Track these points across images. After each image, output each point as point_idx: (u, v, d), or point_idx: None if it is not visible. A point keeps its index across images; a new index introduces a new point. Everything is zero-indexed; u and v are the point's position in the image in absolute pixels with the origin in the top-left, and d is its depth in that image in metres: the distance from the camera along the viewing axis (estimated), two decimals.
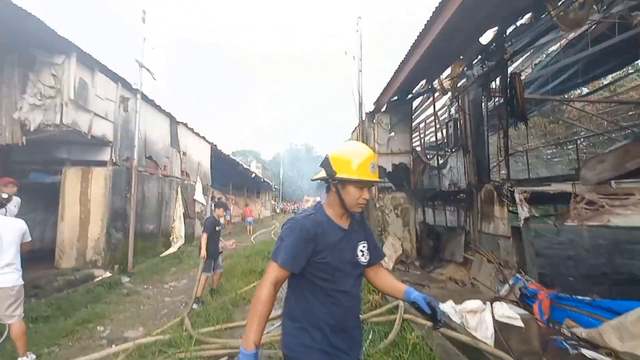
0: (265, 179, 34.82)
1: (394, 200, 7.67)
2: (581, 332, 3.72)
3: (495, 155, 12.20)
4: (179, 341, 3.63)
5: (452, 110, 9.64)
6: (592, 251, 11.60)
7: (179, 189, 10.92)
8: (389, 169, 7.94)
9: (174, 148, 10.81)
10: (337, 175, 1.43)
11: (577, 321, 4.00)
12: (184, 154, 11.63)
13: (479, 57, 6.47)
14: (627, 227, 3.78)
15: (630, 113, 12.67)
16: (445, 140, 9.20)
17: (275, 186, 46.56)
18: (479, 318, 3.90)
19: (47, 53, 5.96)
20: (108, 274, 6.84)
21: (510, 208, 5.65)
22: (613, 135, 11.64)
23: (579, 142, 11.37)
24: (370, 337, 3.67)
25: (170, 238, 10.24)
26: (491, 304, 4.01)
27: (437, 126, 9.51)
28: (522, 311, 4.07)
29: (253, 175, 26.01)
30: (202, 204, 12.69)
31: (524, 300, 4.73)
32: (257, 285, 1.54)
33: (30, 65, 6.00)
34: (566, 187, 4.32)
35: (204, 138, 13.63)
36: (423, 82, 7.36)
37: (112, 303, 5.48)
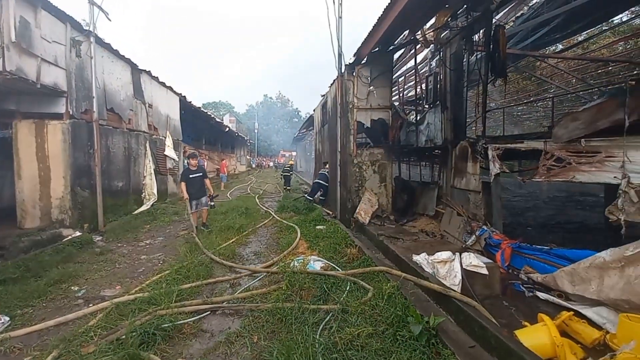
0: (240, 133, 33.76)
1: (372, 156, 7.69)
2: (537, 277, 4.10)
3: (471, 112, 12.32)
4: (159, 298, 3.63)
5: (433, 64, 9.43)
6: (548, 203, 12.64)
7: (148, 144, 10.32)
8: (368, 124, 7.84)
9: (138, 100, 10.00)
10: None
11: (535, 268, 4.40)
12: (150, 106, 10.82)
13: (465, 6, 6.18)
14: (590, 184, 4.02)
15: (599, 71, 13.05)
16: (424, 95, 9.10)
17: (250, 140, 45.36)
18: (448, 267, 4.19)
19: None
20: (78, 233, 6.60)
21: (482, 164, 5.84)
22: (580, 93, 12.03)
23: (550, 99, 11.65)
24: (348, 288, 3.86)
25: (142, 195, 9.90)
26: (460, 255, 4.30)
27: (417, 80, 9.33)
28: (487, 260, 4.41)
29: (227, 129, 25.07)
30: (173, 159, 12.16)
31: (488, 250, 5.10)
32: None
33: None
34: (538, 144, 4.46)
35: (170, 88, 12.67)
36: (406, 32, 7.02)
37: (85, 262, 5.35)
